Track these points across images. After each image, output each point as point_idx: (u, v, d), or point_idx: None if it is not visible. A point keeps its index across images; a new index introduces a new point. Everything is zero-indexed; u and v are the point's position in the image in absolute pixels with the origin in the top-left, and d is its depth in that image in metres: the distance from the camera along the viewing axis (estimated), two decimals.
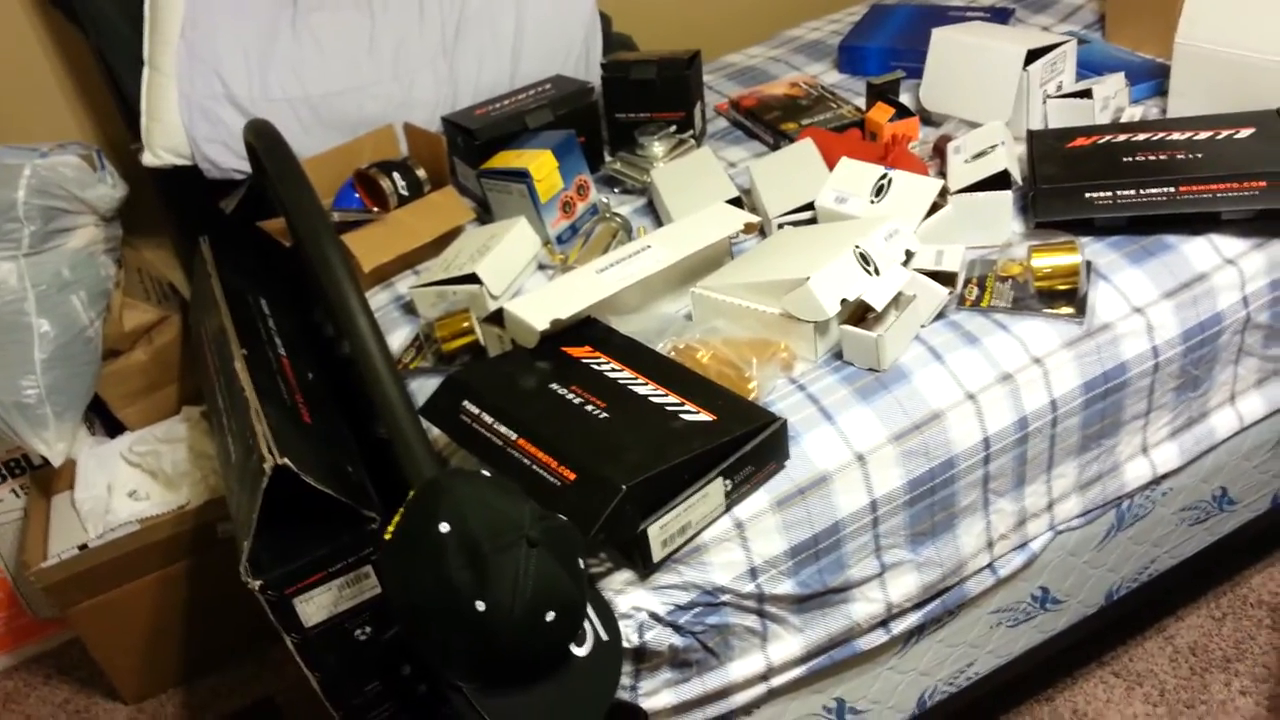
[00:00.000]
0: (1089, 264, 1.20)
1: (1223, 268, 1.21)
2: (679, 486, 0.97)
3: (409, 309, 1.39)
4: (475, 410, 1.05)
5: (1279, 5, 1.29)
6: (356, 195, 1.49)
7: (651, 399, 1.05)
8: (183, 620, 1.73)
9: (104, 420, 1.83)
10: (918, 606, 1.18)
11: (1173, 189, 1.22)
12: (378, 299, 1.43)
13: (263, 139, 1.15)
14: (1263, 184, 1.19)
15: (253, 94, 1.57)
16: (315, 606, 1.16)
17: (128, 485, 1.74)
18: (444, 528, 0.81)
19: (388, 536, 0.84)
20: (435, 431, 1.14)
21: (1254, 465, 1.35)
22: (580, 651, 0.89)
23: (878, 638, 1.16)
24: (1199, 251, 1.21)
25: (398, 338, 1.36)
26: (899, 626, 1.17)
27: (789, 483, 1.05)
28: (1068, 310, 1.16)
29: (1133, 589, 1.37)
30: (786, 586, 1.06)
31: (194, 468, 1.77)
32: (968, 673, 1.29)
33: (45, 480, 1.78)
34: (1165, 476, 1.27)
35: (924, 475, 1.10)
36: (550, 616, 0.81)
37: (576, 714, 0.86)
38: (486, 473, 0.88)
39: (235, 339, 1.40)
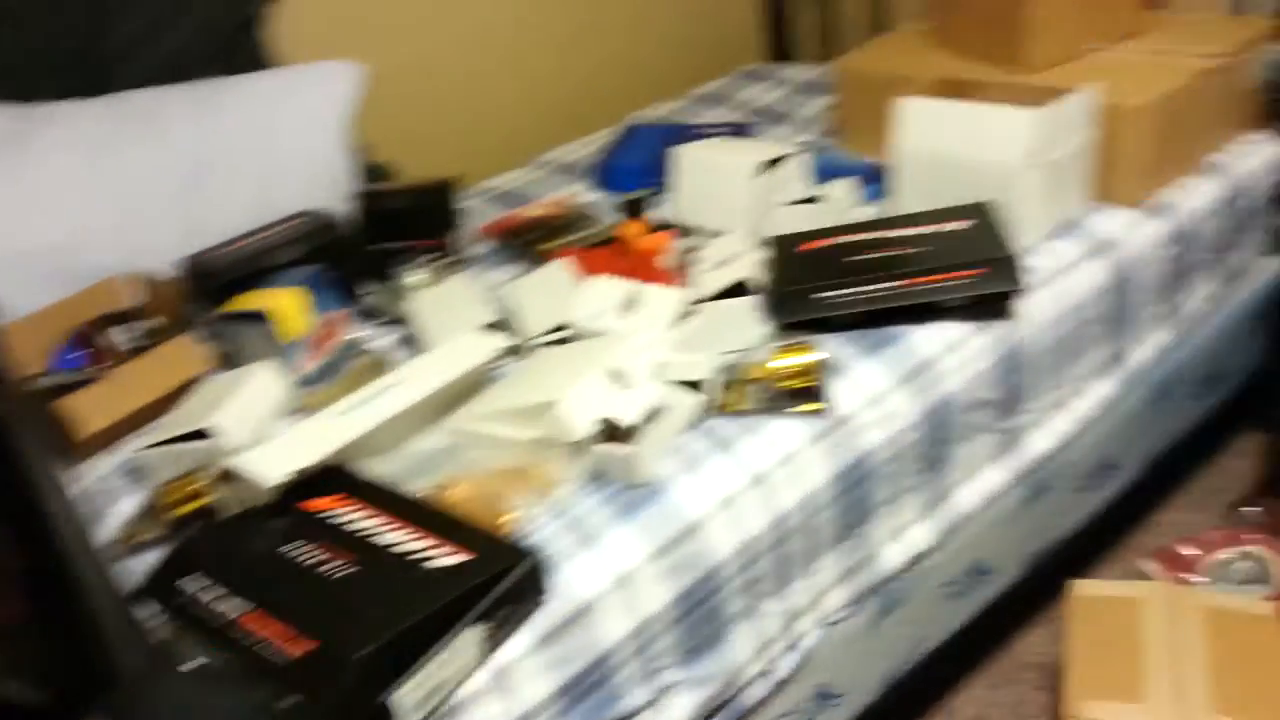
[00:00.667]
0: (824, 361, 1.24)
1: (949, 352, 1.28)
2: (427, 642, 0.92)
3: (138, 475, 1.28)
4: (196, 585, 0.96)
5: (975, 112, 1.41)
6: (78, 354, 1.38)
7: (399, 547, 1.00)
8: None
9: None
10: None
11: (897, 282, 1.28)
12: (103, 465, 1.31)
13: None
14: (975, 271, 1.28)
15: None
16: None
17: None
18: None
19: None
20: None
21: (1003, 534, 1.42)
22: None
23: None
24: (927, 339, 1.28)
25: (124, 508, 1.23)
26: None
27: (551, 618, 1.01)
28: (811, 407, 1.19)
29: (908, 670, 1.40)
30: None
31: None
32: None
33: None
34: (922, 556, 1.31)
35: (689, 589, 1.09)
36: None
37: None
38: (191, 665, 0.81)
39: None
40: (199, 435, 1.20)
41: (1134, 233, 1.46)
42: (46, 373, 1.35)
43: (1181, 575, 1.53)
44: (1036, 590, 1.59)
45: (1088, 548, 1.65)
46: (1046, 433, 1.40)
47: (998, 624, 1.55)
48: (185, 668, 0.80)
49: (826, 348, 1.28)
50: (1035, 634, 1.63)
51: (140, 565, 1.12)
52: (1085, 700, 1.21)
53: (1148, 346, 1.52)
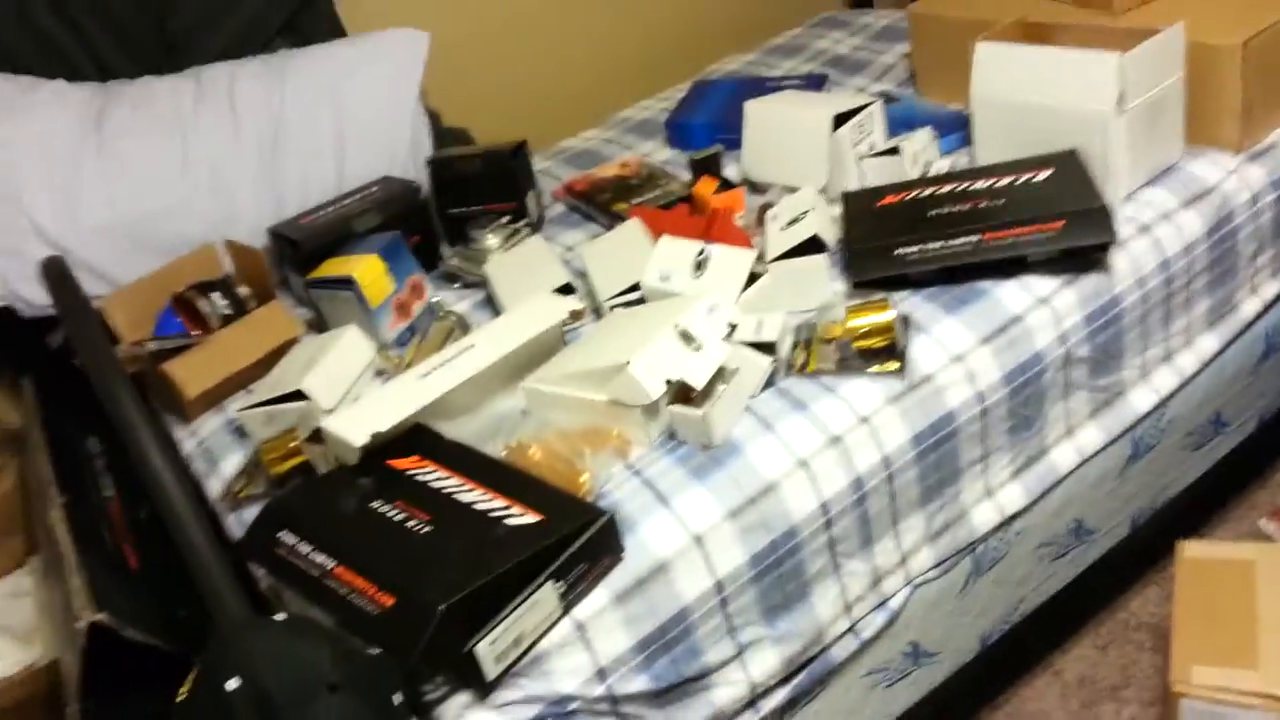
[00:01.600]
0: (905, 319, 1.22)
1: (1036, 308, 1.23)
2: (506, 597, 0.93)
3: (242, 433, 1.34)
4: (291, 540, 1.00)
5: (1058, 57, 1.35)
6: (177, 320, 1.43)
7: (477, 506, 1.02)
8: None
9: None
10: (783, 682, 1.15)
11: (978, 237, 1.25)
12: (209, 425, 1.37)
13: (49, 276, 1.10)
14: (1061, 223, 1.23)
15: (61, 226, 1.51)
16: None
17: None
18: (232, 684, 0.75)
19: (179, 699, 0.78)
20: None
21: (1105, 493, 1.37)
22: None
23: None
24: (1011, 295, 1.24)
25: (230, 464, 1.30)
26: (767, 705, 1.14)
27: (628, 575, 1.02)
28: (889, 366, 1.17)
29: (1005, 631, 1.37)
30: (640, 683, 1.03)
31: (44, 622, 1.65)
32: None
33: None
34: (1015, 517, 1.28)
35: (766, 549, 1.08)
36: None
37: None
38: (282, 616, 0.84)
39: (55, 486, 1.32)
40: (294, 396, 1.24)
41: (1235, 178, 1.38)
42: (152, 338, 1.40)
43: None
44: (1147, 550, 1.54)
45: (1204, 506, 1.59)
46: (1148, 389, 1.35)
47: (1106, 583, 1.51)
48: (281, 617, 0.83)
49: (905, 305, 1.25)
50: (1148, 594, 1.58)
51: (244, 519, 1.17)
52: (1193, 665, 1.17)
53: (1258, 298, 1.44)
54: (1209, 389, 1.42)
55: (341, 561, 0.96)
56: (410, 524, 0.99)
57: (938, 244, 1.25)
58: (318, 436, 1.15)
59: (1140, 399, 1.35)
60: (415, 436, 1.14)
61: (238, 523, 1.20)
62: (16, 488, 1.73)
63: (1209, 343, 1.40)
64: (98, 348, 1.00)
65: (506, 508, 1.01)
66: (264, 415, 1.28)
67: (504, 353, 1.20)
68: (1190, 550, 1.32)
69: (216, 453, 1.33)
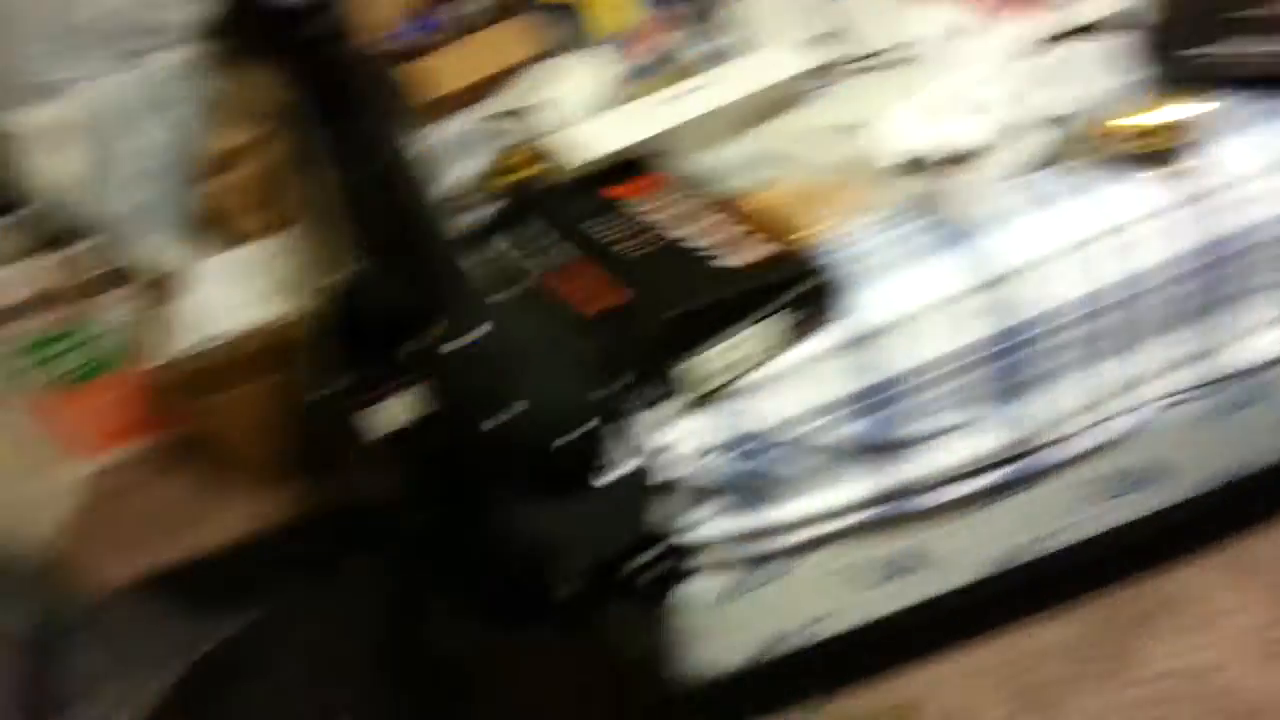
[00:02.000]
0: (1212, 117, 1.06)
1: None
2: (730, 321, 0.96)
3: (476, 143, 1.36)
4: (510, 243, 1.06)
5: None
6: (429, 21, 1.46)
7: (699, 239, 1.03)
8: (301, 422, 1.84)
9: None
10: (1000, 465, 1.13)
11: None
12: (450, 127, 1.39)
13: None
14: None
15: None
16: (386, 418, 1.20)
17: (241, 295, 1.81)
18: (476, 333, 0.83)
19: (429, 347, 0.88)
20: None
21: None
22: (611, 476, 0.91)
23: (953, 492, 1.13)
24: None
25: (467, 168, 1.33)
26: (979, 483, 1.13)
27: (862, 325, 1.02)
28: (1187, 165, 1.04)
29: (1256, 474, 1.27)
30: (854, 430, 1.04)
31: (298, 281, 1.80)
32: (1052, 541, 1.24)
33: (158, 290, 1.84)
34: None
35: (1015, 328, 1.04)
36: (562, 440, 0.84)
37: (598, 536, 0.89)
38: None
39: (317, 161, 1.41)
40: (529, 112, 1.27)
41: None
42: (397, 35, 1.44)
43: None
44: None
45: None
46: None
47: None
48: (497, 298, 0.90)
49: (1218, 104, 1.09)
50: None
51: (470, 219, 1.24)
52: None
53: None
54: None
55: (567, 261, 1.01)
56: (622, 246, 1.03)
57: (1262, 46, 1.07)
58: (547, 152, 1.18)
59: None
60: (641, 166, 1.16)
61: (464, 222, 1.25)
62: (281, 157, 1.86)
63: None
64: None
65: (733, 244, 1.02)
66: (499, 127, 1.32)
67: (742, 94, 1.17)
68: None
69: (459, 155, 1.35)
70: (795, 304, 0.98)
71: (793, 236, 1.04)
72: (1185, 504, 1.27)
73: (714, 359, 0.95)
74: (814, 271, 0.98)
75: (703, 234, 1.03)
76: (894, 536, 1.16)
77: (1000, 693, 1.33)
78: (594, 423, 0.85)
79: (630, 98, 1.35)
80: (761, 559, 1.11)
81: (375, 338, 1.12)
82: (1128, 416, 1.14)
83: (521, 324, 0.86)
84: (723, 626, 1.15)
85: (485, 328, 0.84)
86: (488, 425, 0.81)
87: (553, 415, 0.82)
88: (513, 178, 1.25)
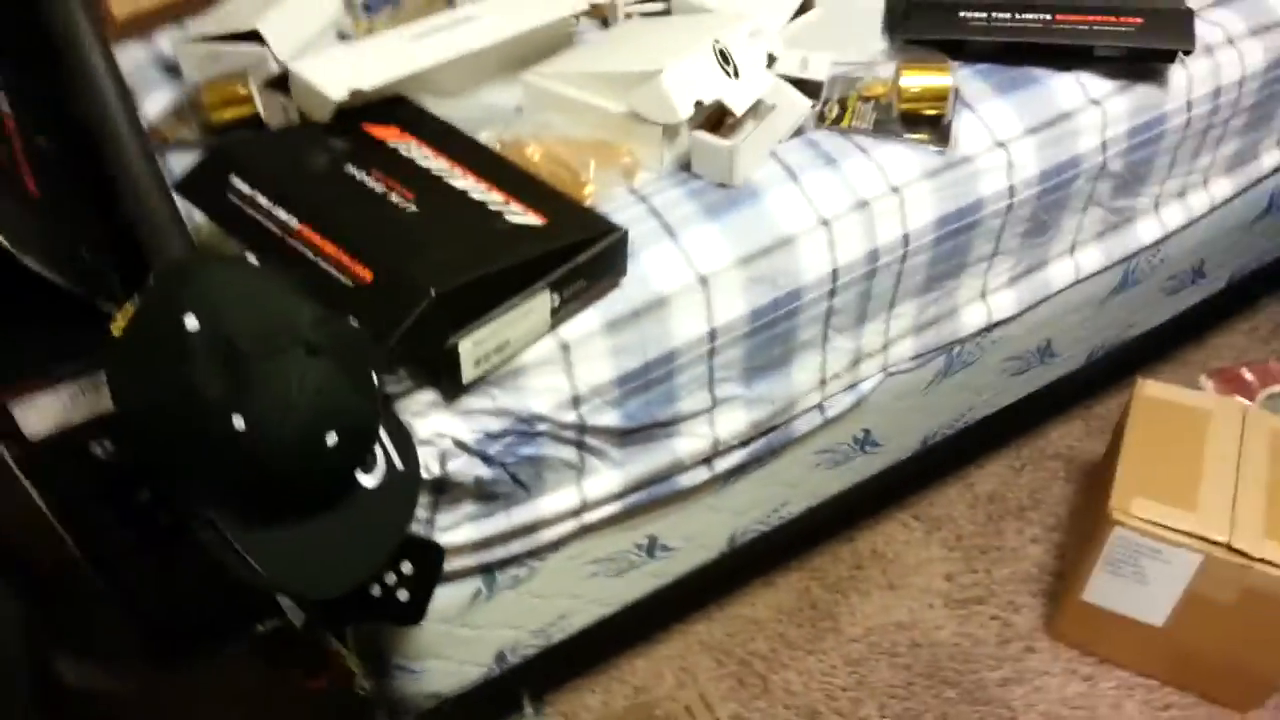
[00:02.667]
0: (957, 90, 1.10)
1: (1087, 108, 1.14)
2: (499, 297, 0.82)
3: (173, 69, 1.13)
4: (245, 188, 0.85)
5: None
6: None
7: (470, 194, 0.89)
8: None
9: None
10: (744, 444, 1.10)
11: (1049, 16, 1.13)
12: (133, 55, 1.16)
13: None
14: (1139, 20, 1.12)
15: None
16: (40, 415, 0.95)
17: None
18: (191, 323, 0.63)
19: (116, 332, 0.65)
20: (198, 218, 0.93)
21: (1081, 319, 1.34)
22: (369, 481, 0.74)
23: (699, 475, 1.08)
24: (1066, 88, 1.14)
25: (156, 102, 1.11)
26: (722, 465, 1.09)
27: (624, 304, 0.92)
28: (931, 137, 1.07)
29: (947, 436, 1.36)
30: (611, 418, 0.95)
31: None
32: (781, 513, 1.25)
33: None
34: (999, 324, 1.23)
35: (768, 305, 1.00)
36: (331, 439, 0.66)
37: (357, 551, 0.72)
38: (253, 260, 0.70)
39: None
40: (250, 36, 1.05)
41: None
42: None
43: (1236, 400, 1.48)
44: (1086, 385, 1.54)
45: (1149, 351, 1.59)
46: (1155, 222, 1.29)
47: (1035, 411, 1.51)
48: (250, 257, 0.69)
49: (955, 77, 1.13)
50: (1071, 426, 1.59)
51: (173, 165, 1.00)
52: (1134, 497, 1.17)
53: (1279, 151, 1.39)
54: (1205, 235, 1.38)
55: (309, 221, 0.82)
56: (392, 198, 0.86)
57: (1006, 14, 1.12)
58: (281, 84, 0.98)
59: (1146, 230, 1.30)
60: (396, 107, 0.98)
61: (164, 167, 1.03)
62: None
63: (1223, 187, 1.35)
64: None
65: (504, 202, 0.88)
66: (208, 53, 1.09)
67: (512, 33, 1.03)
68: (1150, 389, 1.31)
69: (139, 89, 1.12)
70: (581, 271, 0.86)
71: (572, 194, 0.92)
72: (892, 468, 1.32)
73: (485, 338, 0.81)
74: (604, 234, 0.87)
75: (478, 187, 0.88)
76: (634, 527, 1.09)
77: (723, 668, 1.33)
78: (356, 419, 0.68)
79: (366, 32, 1.15)
80: (504, 563, 0.99)
81: (37, 308, 0.85)
82: (859, 385, 1.16)
83: (261, 292, 0.66)
84: (455, 641, 1.02)
85: (193, 320, 0.63)
86: (220, 431, 0.61)
87: (298, 416, 0.64)
88: (230, 114, 1.00)
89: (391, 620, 0.81)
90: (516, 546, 0.97)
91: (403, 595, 0.80)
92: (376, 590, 0.78)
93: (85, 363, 0.93)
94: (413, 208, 0.85)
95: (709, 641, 1.36)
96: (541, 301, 0.85)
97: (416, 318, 0.74)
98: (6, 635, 1.10)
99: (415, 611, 0.80)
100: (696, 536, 1.17)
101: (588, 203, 0.96)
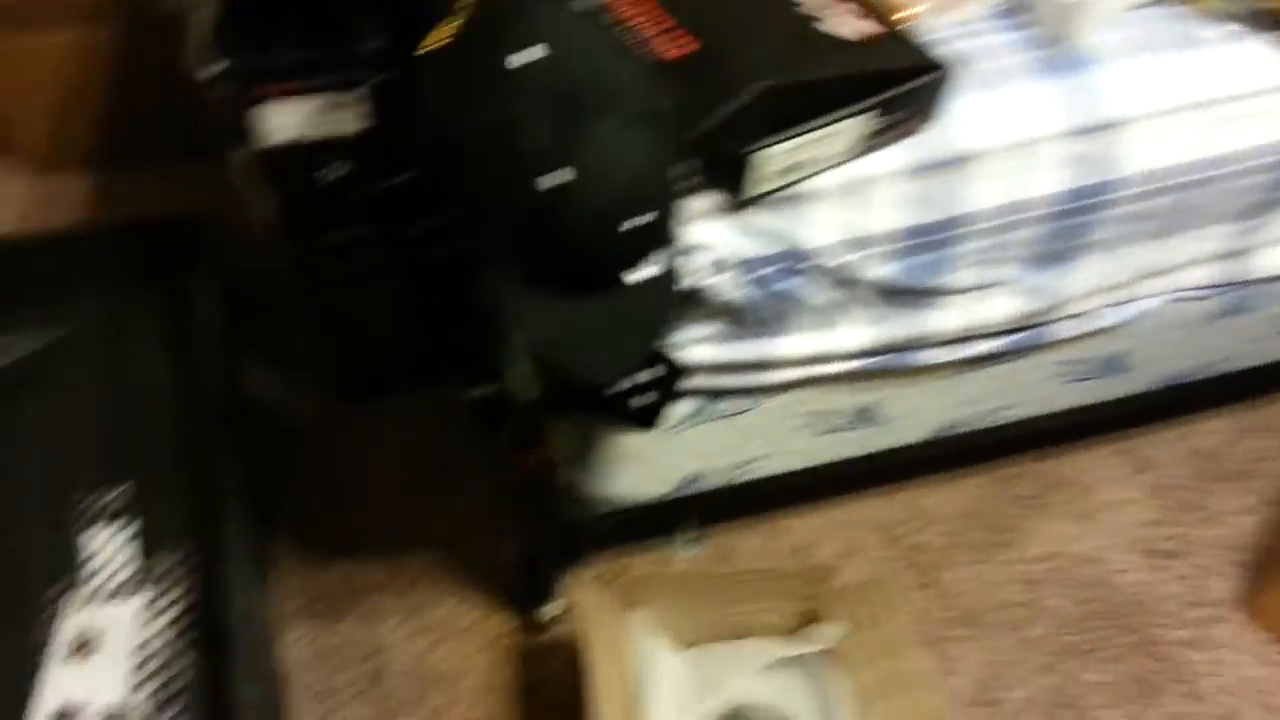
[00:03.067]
0: None
1: None
2: (811, 110, 0.74)
3: None
4: None
5: None
6: None
7: None
8: (101, 98, 1.47)
9: None
10: (997, 335, 1.01)
11: None
12: None
13: None
14: None
15: None
16: (281, 122, 0.93)
17: None
18: (519, 59, 0.58)
19: (430, 47, 0.61)
20: None
21: None
22: (639, 275, 0.70)
23: (940, 355, 1.00)
24: None
25: None
26: (967, 350, 1.01)
27: (929, 150, 0.83)
28: None
29: (1194, 381, 1.23)
30: (885, 271, 0.88)
31: None
32: (999, 415, 1.16)
33: None
34: None
35: (1080, 190, 0.89)
36: (639, 219, 0.61)
37: (620, 343, 0.68)
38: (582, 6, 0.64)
39: None
40: None
41: None
42: None
43: None
44: None
45: None
46: None
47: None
48: (566, 7, 0.63)
49: None
50: None
51: None
52: None
53: None
54: None
55: None
56: None
57: None
58: None
59: None
60: None
61: None
62: None
63: None
64: None
65: (820, 6, 0.79)
66: None
67: None
68: None
69: None
70: (896, 102, 0.77)
71: (896, 15, 0.82)
72: (1127, 399, 1.22)
73: (786, 153, 0.74)
74: (931, 65, 0.77)
75: None
76: (856, 390, 1.03)
77: (889, 549, 1.29)
78: (666, 205, 0.62)
79: None
80: (724, 393, 0.95)
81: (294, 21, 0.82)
82: (1135, 304, 1.05)
83: (598, 44, 0.60)
84: (654, 455, 1.00)
85: (537, 49, 0.57)
86: (539, 183, 0.57)
87: (622, 187, 0.59)
88: None
89: (621, 422, 0.78)
90: (743, 380, 0.93)
91: (635, 401, 0.76)
92: (612, 390, 0.75)
93: (338, 80, 0.90)
94: None
95: (879, 521, 1.32)
96: (852, 126, 0.77)
97: (736, 109, 0.67)
98: (209, 336, 1.14)
99: (646, 419, 0.77)
100: (910, 416, 1.10)
101: (902, 26, 0.85)
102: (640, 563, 1.24)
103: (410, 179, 0.74)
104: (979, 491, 1.35)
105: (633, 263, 0.65)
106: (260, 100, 0.89)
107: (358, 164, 0.97)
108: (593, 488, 0.99)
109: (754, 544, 1.28)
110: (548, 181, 0.57)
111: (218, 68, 0.86)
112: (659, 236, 0.63)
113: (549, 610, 1.15)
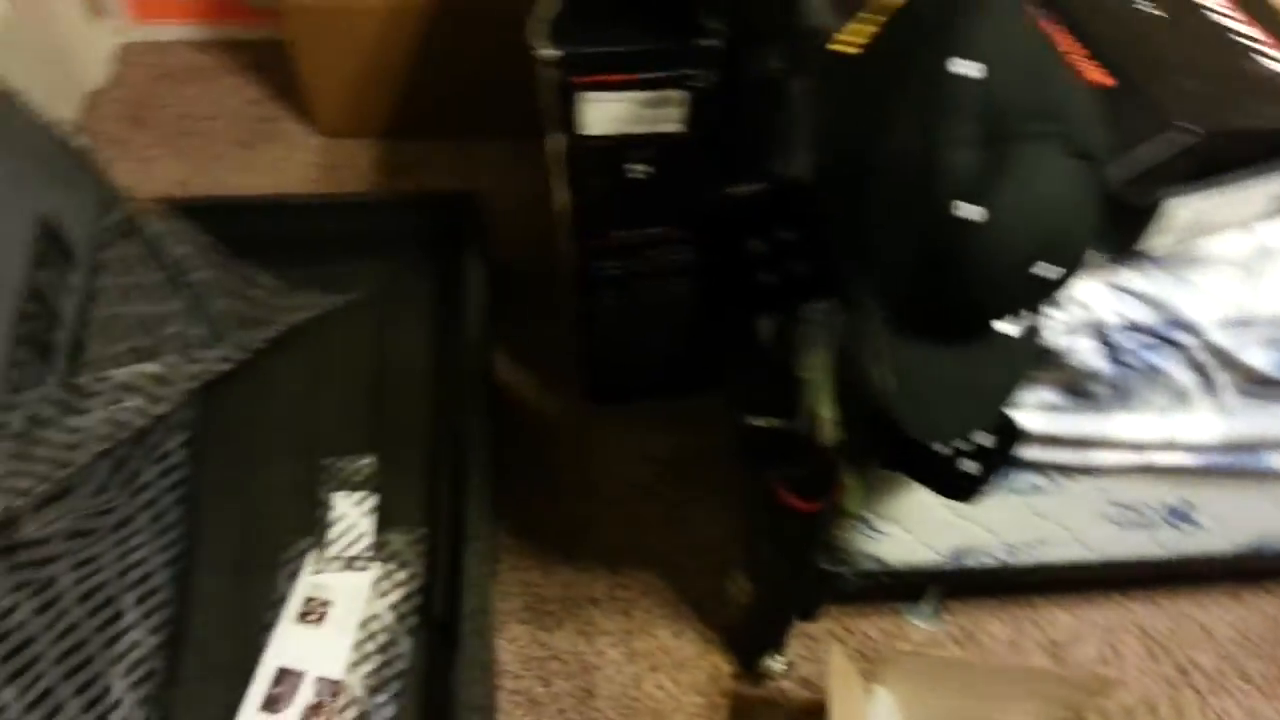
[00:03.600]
0: None
1: None
2: (1237, 160, 0.63)
3: None
4: None
5: None
6: None
7: (1221, 20, 0.69)
8: (405, 69, 1.49)
9: None
10: None
11: None
12: None
13: None
14: None
15: None
16: (601, 113, 0.89)
17: None
18: (960, 68, 0.50)
19: (844, 48, 0.54)
20: None
21: None
22: (1009, 329, 0.60)
23: None
24: None
25: None
26: None
27: None
28: None
29: None
30: (1262, 359, 0.75)
31: None
32: None
33: None
34: None
35: None
36: (1041, 268, 0.52)
37: (974, 399, 0.59)
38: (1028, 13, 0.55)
39: None
40: None
41: None
42: None
43: None
44: None
45: None
46: None
47: None
48: (1009, 13, 0.54)
49: None
50: None
51: None
52: None
53: None
54: None
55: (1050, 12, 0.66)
56: (1137, 3, 0.67)
57: None
58: None
59: None
60: None
61: None
62: None
63: None
64: None
65: (1258, 40, 0.68)
66: None
67: None
68: None
69: None
70: None
71: None
72: None
73: (1199, 207, 0.63)
74: None
75: (1229, 9, 0.68)
76: (1180, 484, 0.90)
77: (1155, 663, 1.14)
78: (1080, 256, 0.53)
79: None
80: (1036, 466, 0.84)
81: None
82: None
83: (1041, 61, 0.51)
84: (937, 522, 0.90)
85: (976, 60, 0.49)
86: (954, 207, 0.49)
87: (1045, 227, 0.50)
88: None
89: (939, 488, 0.69)
90: (1065, 456, 0.82)
91: (968, 466, 0.67)
92: (946, 450, 0.66)
93: (665, 77, 0.85)
94: (1160, 14, 0.66)
95: (1148, 629, 1.16)
96: (1262, 190, 0.65)
97: (1161, 152, 0.57)
98: (474, 319, 1.11)
99: (970, 488, 0.68)
100: (1228, 522, 0.96)
101: None
102: (871, 626, 1.14)
103: (762, 189, 0.68)
104: (1267, 613, 1.18)
105: (1018, 311, 0.56)
106: (584, 89, 0.86)
107: (668, 165, 0.92)
108: (863, 544, 0.91)
109: (999, 630, 1.15)
110: (965, 209, 0.49)
111: (550, 53, 0.83)
112: (1059, 284, 0.54)
113: (774, 664, 1.07)
